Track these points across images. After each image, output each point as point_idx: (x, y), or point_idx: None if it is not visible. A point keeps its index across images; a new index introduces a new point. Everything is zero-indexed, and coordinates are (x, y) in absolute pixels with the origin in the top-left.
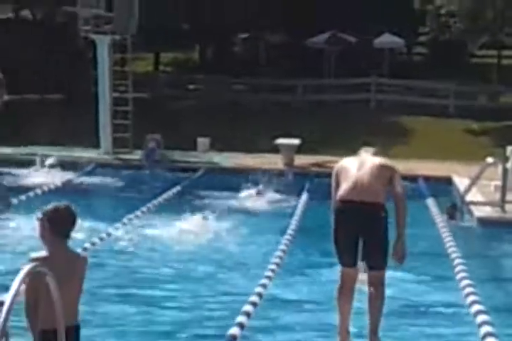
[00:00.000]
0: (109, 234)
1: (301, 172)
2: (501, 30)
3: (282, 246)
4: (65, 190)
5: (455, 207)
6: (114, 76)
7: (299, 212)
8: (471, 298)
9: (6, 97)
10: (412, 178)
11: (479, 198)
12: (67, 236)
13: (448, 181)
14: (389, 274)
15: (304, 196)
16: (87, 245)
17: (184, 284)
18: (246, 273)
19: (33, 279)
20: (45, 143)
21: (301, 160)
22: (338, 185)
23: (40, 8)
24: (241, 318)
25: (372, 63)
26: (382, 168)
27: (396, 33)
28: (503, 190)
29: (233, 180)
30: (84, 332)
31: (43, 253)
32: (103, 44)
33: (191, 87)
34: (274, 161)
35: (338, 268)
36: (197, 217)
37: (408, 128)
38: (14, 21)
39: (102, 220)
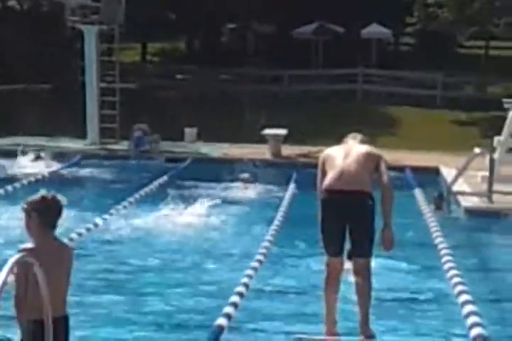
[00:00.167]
0: (95, 225)
1: (288, 162)
2: (489, 20)
3: (269, 237)
4: (51, 180)
5: (442, 198)
6: (102, 66)
7: (285, 202)
8: (459, 287)
9: None
10: (400, 169)
11: (466, 188)
12: (54, 226)
13: (435, 172)
14: (376, 264)
15: (291, 186)
16: (73, 235)
17: (171, 274)
18: (232, 264)
19: (24, 269)
20: (32, 133)
21: (288, 150)
22: (324, 174)
23: None
24: (228, 309)
25: (360, 53)
26: (368, 155)
27: (384, 24)
28: (490, 180)
29: (220, 170)
30: (71, 322)
31: (29, 244)
32: (90, 34)
33: (179, 77)
34: (262, 152)
35: (325, 258)
36: (183, 207)
37: (395, 118)
38: (1, 11)
39: (89, 210)
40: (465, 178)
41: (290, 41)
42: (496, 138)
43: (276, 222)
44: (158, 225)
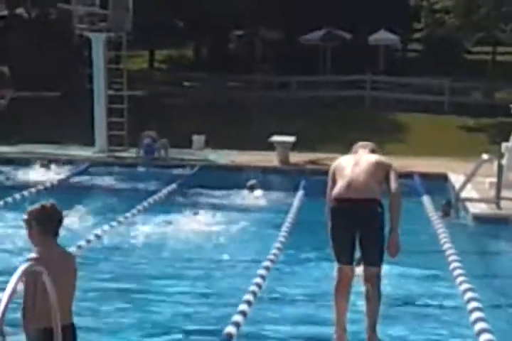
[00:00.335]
0: (104, 232)
1: (296, 169)
2: (496, 26)
3: (277, 244)
4: (60, 188)
5: (450, 205)
6: (109, 73)
7: (294, 209)
8: (467, 294)
9: (14, 94)
10: (408, 175)
11: (474, 195)
12: (56, 234)
13: (443, 178)
14: (384, 270)
15: (300, 193)
16: (81, 243)
17: (179, 282)
18: (241, 271)
19: (32, 278)
20: (40, 141)
21: (296, 157)
22: (334, 183)
23: (35, 6)
24: (236, 317)
25: (368, 60)
26: (378, 164)
27: (391, 30)
28: (498, 186)
29: (228, 177)
30: (80, 330)
31: (32, 255)
32: (98, 41)
33: (186, 84)
34: (270, 159)
35: (335, 265)
36: (191, 214)
37: (403, 125)
38: (9, 19)
39: (98, 218)
40: (473, 185)
41: (298, 48)
42: (504, 144)
43: (284, 229)
44: (166, 233)
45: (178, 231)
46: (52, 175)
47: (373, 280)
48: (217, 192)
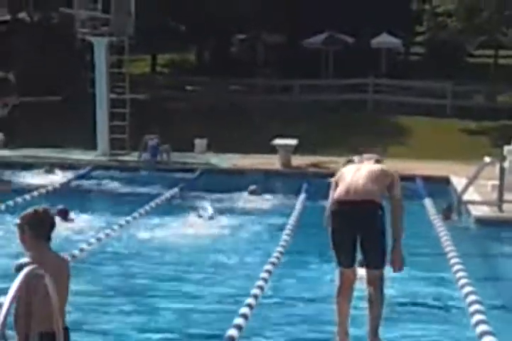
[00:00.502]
0: (107, 235)
1: (298, 172)
2: (498, 29)
3: (279, 247)
4: (62, 192)
5: (450, 209)
6: (112, 78)
7: (296, 212)
8: (470, 297)
9: (17, 101)
10: (410, 178)
11: (476, 198)
12: (49, 238)
13: (446, 181)
14: (386, 273)
15: (302, 196)
16: (84, 246)
17: (181, 285)
18: (243, 274)
19: (24, 282)
20: (43, 145)
21: (299, 160)
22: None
23: (37, 10)
24: (238, 320)
25: (370, 63)
26: (381, 173)
27: (393, 33)
28: (501, 189)
29: (230, 180)
30: (82, 334)
31: (25, 259)
32: (100, 46)
33: (188, 88)
34: (272, 162)
35: (337, 268)
36: (193, 218)
37: (405, 128)
38: (11, 23)
39: (100, 221)
40: (475, 187)
41: (300, 51)
42: (506, 147)
43: (287, 232)
44: (168, 236)
45: (180, 234)
46: (55, 178)
47: (376, 283)
48: (220, 196)
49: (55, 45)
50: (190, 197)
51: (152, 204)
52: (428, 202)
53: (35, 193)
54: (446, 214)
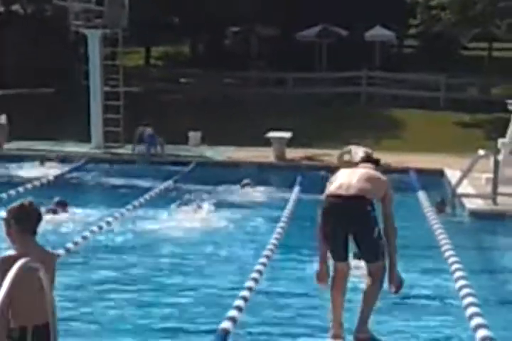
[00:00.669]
0: (100, 228)
1: (292, 165)
2: (491, 22)
3: (273, 240)
4: (56, 184)
5: (444, 203)
6: (105, 70)
7: (290, 205)
8: (465, 290)
9: (9, 141)
10: (404, 171)
11: (471, 190)
12: (35, 232)
13: (440, 174)
14: None
15: (296, 189)
16: (78, 239)
17: (175, 278)
18: (237, 267)
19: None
20: (37, 137)
21: (293, 153)
22: None
23: (30, 2)
24: (233, 312)
25: (364, 56)
26: (376, 177)
27: (387, 26)
28: (495, 182)
29: (225, 173)
30: (76, 329)
31: (10, 252)
32: (94, 38)
33: (182, 80)
34: (266, 155)
35: (331, 261)
36: (188, 211)
37: (399, 121)
38: (5, 15)
39: (94, 214)
40: (469, 180)
41: (294, 44)
42: (500, 140)
43: (281, 225)
44: (163, 229)
45: (175, 227)
46: (48, 171)
47: (373, 276)
48: (214, 189)
49: (49, 37)
50: (185, 190)
51: (146, 196)
52: (422, 195)
53: (29, 186)
54: (440, 207)
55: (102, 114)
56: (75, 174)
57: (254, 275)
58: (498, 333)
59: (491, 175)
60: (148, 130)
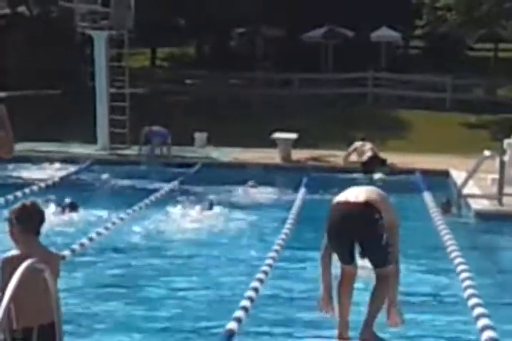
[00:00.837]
0: (106, 229)
1: (298, 166)
2: (497, 23)
3: (279, 241)
4: (62, 185)
5: (449, 203)
6: (111, 71)
7: (296, 206)
8: (469, 290)
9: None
10: (409, 172)
11: (476, 191)
12: (38, 232)
13: (445, 175)
14: None
15: (302, 190)
16: (84, 240)
17: (181, 279)
18: (243, 268)
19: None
20: (43, 139)
21: (298, 154)
22: None
23: (36, 4)
24: (238, 313)
25: (370, 57)
26: (384, 196)
27: (393, 27)
28: (500, 182)
29: (231, 174)
30: (81, 328)
31: (13, 252)
32: (100, 39)
33: (188, 81)
34: (272, 156)
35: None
36: (194, 212)
37: (405, 121)
38: (11, 17)
39: (100, 215)
40: (475, 181)
41: (300, 45)
42: (506, 141)
43: (287, 226)
44: (168, 230)
45: (181, 228)
46: (55, 172)
47: (381, 280)
48: (220, 190)
49: (55, 38)
50: (191, 191)
51: (152, 198)
52: (427, 196)
53: (35, 187)
54: (445, 208)
55: (108, 115)
56: (80, 175)
57: (260, 275)
58: (504, 334)
59: (496, 176)
60: (157, 128)
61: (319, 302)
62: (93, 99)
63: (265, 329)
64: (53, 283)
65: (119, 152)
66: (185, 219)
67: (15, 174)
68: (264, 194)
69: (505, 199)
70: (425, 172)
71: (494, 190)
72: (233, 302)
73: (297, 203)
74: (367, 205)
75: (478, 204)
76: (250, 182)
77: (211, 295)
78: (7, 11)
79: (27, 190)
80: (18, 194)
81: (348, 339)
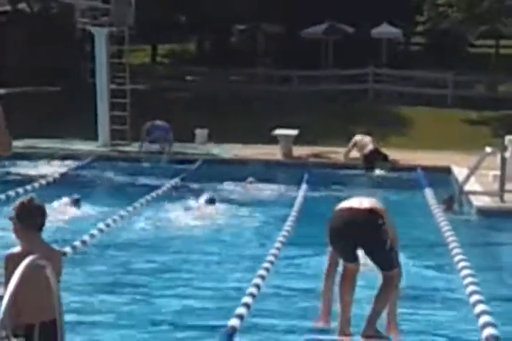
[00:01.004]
0: (107, 225)
1: (299, 162)
2: (498, 19)
3: (281, 237)
4: (63, 182)
5: (452, 199)
6: (112, 68)
7: (297, 203)
8: (471, 287)
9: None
10: (411, 168)
11: (478, 188)
12: (40, 229)
13: (447, 171)
14: None
15: (303, 187)
16: (85, 237)
17: (182, 275)
18: (245, 264)
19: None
20: (43, 135)
21: (299, 151)
22: None
23: (37, 1)
24: (240, 310)
25: (370, 53)
26: (384, 208)
27: (394, 23)
28: (502, 179)
29: (231, 171)
30: (81, 324)
31: (16, 249)
32: (100, 36)
33: (189, 78)
34: (273, 152)
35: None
36: (195, 209)
37: (406, 118)
38: (11, 14)
39: (101, 212)
40: (476, 178)
41: (300, 41)
42: (508, 137)
43: (288, 223)
44: (169, 227)
45: (182, 224)
46: (55, 169)
47: (389, 281)
48: (221, 186)
49: (55, 35)
50: (191, 188)
51: (153, 194)
52: (429, 193)
53: (36, 184)
54: (447, 205)
55: (109, 112)
56: (81, 172)
57: (262, 272)
58: (505, 331)
59: (498, 173)
60: (160, 123)
61: (319, 316)
62: (93, 96)
63: (266, 324)
64: (55, 281)
65: (120, 148)
66: (186, 216)
67: (15, 170)
68: (266, 190)
69: (506, 196)
70: (426, 169)
71: (496, 186)
72: (235, 299)
73: (298, 199)
74: (371, 211)
75: (479, 201)
76: (250, 179)
77: (212, 291)
78: (7, 7)
79: (28, 187)
80: (20, 190)
81: (350, 335)
